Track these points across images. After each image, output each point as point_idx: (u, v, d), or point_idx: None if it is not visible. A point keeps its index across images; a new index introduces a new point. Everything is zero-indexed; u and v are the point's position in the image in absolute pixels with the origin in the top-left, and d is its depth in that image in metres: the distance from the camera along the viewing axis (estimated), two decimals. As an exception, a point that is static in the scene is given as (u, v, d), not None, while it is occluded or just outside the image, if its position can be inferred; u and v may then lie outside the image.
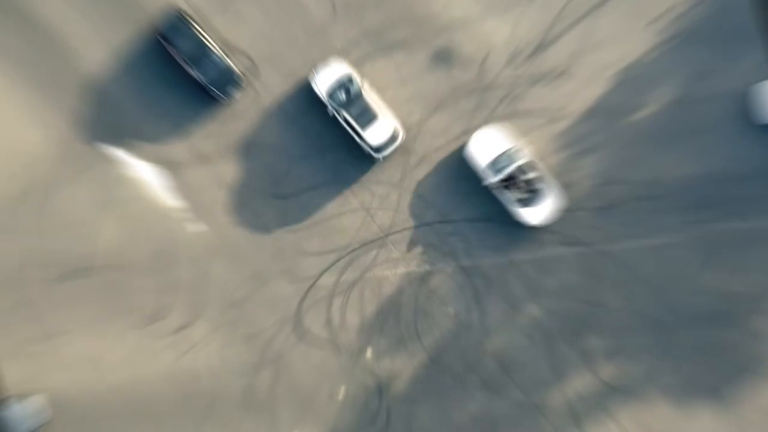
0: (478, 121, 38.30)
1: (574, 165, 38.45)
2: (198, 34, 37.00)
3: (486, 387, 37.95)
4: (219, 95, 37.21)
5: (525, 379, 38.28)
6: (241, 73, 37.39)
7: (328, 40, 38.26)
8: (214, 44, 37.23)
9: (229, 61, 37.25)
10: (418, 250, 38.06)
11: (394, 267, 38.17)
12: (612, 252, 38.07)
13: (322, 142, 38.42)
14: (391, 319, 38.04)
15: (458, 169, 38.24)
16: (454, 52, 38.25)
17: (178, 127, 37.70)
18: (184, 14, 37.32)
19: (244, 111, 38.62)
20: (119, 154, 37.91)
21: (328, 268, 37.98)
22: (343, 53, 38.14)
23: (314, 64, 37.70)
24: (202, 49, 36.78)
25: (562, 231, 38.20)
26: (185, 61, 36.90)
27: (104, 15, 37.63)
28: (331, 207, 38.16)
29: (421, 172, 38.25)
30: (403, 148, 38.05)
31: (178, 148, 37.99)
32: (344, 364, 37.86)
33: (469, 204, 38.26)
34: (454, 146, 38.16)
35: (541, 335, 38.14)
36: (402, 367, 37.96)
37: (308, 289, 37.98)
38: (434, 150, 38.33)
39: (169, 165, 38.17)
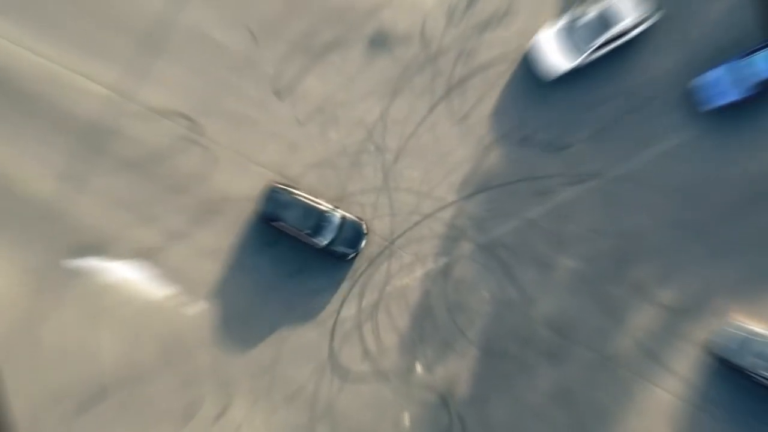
0: (440, 91, 36.64)
1: (551, 100, 36.48)
2: (303, 199, 35.12)
3: (550, 358, 35.82)
4: (349, 252, 35.23)
5: (585, 335, 35.97)
6: (359, 218, 35.56)
7: (258, 69, 36.90)
8: (321, 202, 35.42)
9: (344, 212, 35.35)
10: (429, 245, 36.35)
11: (411, 272, 36.38)
12: (623, 174, 36.00)
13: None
14: (428, 325, 36.17)
15: (437, 149, 36.65)
16: (389, 32, 36.63)
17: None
18: (280, 186, 35.43)
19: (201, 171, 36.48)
20: (90, 263, 36.25)
21: (344, 300, 36.28)
22: (277, 72, 36.87)
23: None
24: (317, 214, 34.83)
25: (565, 171, 36.12)
26: (305, 233, 34.87)
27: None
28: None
29: (402, 166, 36.58)
30: (377, 148, 36.59)
31: (148, 234, 36.48)
32: (398, 389, 35.92)
33: (460, 180, 36.46)
34: (423, 132, 36.71)
35: (585, 285, 35.96)
36: (457, 369, 35.95)
37: (333, 328, 36.24)
38: (407, 138, 36.74)
39: (144, 254, 36.46)
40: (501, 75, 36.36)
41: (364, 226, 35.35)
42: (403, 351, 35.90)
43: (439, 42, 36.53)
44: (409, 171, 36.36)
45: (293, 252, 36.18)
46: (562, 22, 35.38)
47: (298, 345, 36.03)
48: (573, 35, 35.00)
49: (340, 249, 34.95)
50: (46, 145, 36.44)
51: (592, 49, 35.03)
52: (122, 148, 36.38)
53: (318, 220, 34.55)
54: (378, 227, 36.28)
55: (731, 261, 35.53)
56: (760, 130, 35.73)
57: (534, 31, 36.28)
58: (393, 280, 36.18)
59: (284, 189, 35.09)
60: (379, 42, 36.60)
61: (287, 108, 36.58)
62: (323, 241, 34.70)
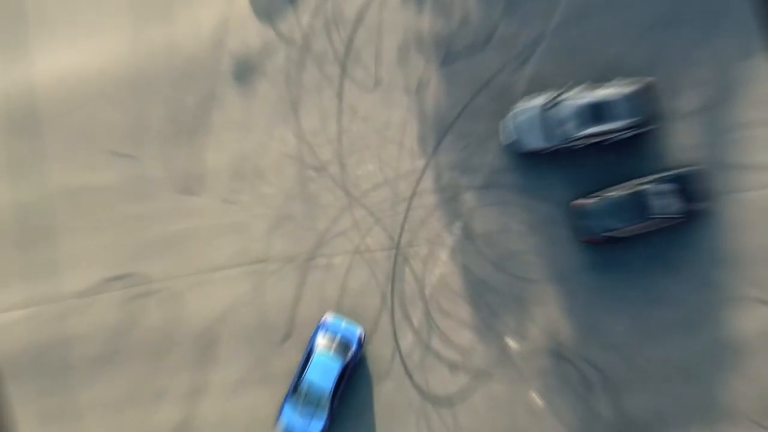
0: (335, 73, 34.74)
1: (444, 3, 34.04)
2: (609, 194, 31.61)
3: (627, 247, 32.61)
4: (702, 204, 31.66)
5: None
6: (687, 167, 31.74)
7: (153, 181, 35.04)
8: (628, 183, 31.84)
9: (665, 173, 31.50)
10: (434, 222, 33.80)
11: (436, 259, 33.65)
12: (563, 19, 33.44)
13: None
14: (490, 296, 33.18)
15: (373, 129, 34.36)
16: (245, 54, 35.24)
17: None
18: (578, 203, 31.91)
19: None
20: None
21: (395, 333, 33.51)
22: (172, 171, 34.94)
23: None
24: (634, 197, 31.16)
25: (508, 57, 33.69)
26: (648, 224, 31.29)
27: None
28: (330, 290, 34.05)
29: (352, 169, 34.45)
30: (316, 169, 34.44)
31: (167, 412, 33.86)
32: (507, 376, 32.81)
33: (416, 141, 34.30)
34: (348, 123, 34.59)
35: (609, 146, 32.74)
36: (547, 318, 32.83)
37: (404, 367, 33.36)
38: (337, 140, 34.65)
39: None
40: (379, 14, 34.68)
41: (695, 170, 31.69)
42: (485, 338, 33.18)
43: (299, 28, 35.05)
44: (363, 169, 34.44)
45: (311, 326, 33.69)
46: None
47: (385, 409, 33.36)
48: None
49: (694, 207, 31.43)
50: (8, 398, 34.36)
51: None
52: (82, 349, 34.56)
53: (639, 201, 31.20)
54: (376, 242, 33.96)
55: (724, 33, 32.69)
56: None
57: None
58: (426, 280, 33.70)
59: (584, 201, 32.04)
60: (244, 70, 35.14)
61: (207, 197, 34.88)
62: (671, 210, 31.17)
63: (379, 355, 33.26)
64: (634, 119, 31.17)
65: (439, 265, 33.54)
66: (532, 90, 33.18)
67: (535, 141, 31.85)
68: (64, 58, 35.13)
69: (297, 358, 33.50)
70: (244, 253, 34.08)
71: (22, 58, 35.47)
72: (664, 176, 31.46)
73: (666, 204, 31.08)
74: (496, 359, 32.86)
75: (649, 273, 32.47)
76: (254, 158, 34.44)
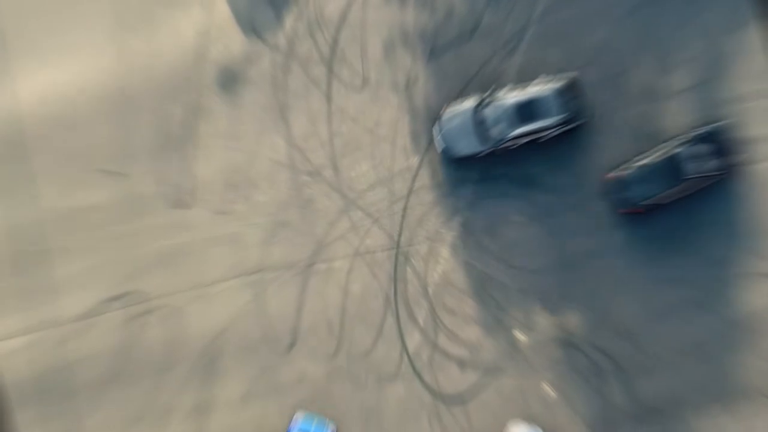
0: (322, 75, 34.74)
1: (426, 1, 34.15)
2: (643, 162, 31.26)
3: (629, 225, 32.45)
4: (734, 161, 31.52)
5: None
6: (719, 123, 31.57)
7: (145, 197, 35.11)
8: (660, 148, 31.41)
9: (695, 132, 31.24)
10: (432, 219, 33.91)
11: (437, 256, 33.72)
12: (548, 5, 33.12)
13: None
14: (494, 290, 33.16)
15: (364, 129, 34.40)
16: (230, 63, 35.22)
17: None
18: (612, 176, 31.60)
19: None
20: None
21: (401, 334, 33.58)
22: (163, 186, 34.98)
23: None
24: (666, 163, 31.13)
25: (496, 46, 33.55)
26: (686, 186, 31.24)
27: None
28: (333, 295, 34.10)
29: (346, 171, 34.50)
30: (310, 174, 34.52)
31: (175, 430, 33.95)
32: (517, 369, 32.81)
33: (409, 138, 34.26)
34: (339, 125, 34.72)
35: (600, 132, 32.63)
36: (555, 307, 32.79)
37: (412, 368, 33.42)
38: (329, 143, 34.61)
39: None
40: (362, 12, 34.65)
41: (724, 124, 31.55)
42: (492, 333, 33.19)
43: (283, 32, 35.07)
44: (356, 169, 34.51)
45: (326, 333, 33.72)
46: None
47: (396, 411, 33.49)
48: None
49: (729, 161, 31.49)
50: (15, 426, 34.87)
51: None
52: (86, 372, 34.88)
53: (674, 164, 31.07)
54: (375, 242, 34.05)
55: (711, 6, 32.25)
56: None
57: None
58: (429, 278, 33.77)
59: (618, 173, 31.78)
60: (230, 78, 35.25)
61: (200, 209, 35.06)
62: (708, 168, 31.12)
63: (386, 357, 33.34)
64: (564, 115, 31.45)
65: (440, 262, 33.65)
66: (522, 79, 32.96)
67: (470, 145, 32.15)
68: (47, 79, 35.24)
69: (303, 367, 33.54)
70: (242, 264, 34.34)
71: (4, 80, 35.54)
72: (695, 135, 31.37)
73: (701, 163, 31.03)
74: (505, 353, 32.90)
75: (654, 254, 32.44)
76: (246, 167, 34.62)
